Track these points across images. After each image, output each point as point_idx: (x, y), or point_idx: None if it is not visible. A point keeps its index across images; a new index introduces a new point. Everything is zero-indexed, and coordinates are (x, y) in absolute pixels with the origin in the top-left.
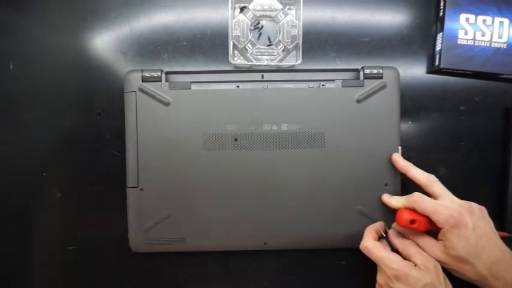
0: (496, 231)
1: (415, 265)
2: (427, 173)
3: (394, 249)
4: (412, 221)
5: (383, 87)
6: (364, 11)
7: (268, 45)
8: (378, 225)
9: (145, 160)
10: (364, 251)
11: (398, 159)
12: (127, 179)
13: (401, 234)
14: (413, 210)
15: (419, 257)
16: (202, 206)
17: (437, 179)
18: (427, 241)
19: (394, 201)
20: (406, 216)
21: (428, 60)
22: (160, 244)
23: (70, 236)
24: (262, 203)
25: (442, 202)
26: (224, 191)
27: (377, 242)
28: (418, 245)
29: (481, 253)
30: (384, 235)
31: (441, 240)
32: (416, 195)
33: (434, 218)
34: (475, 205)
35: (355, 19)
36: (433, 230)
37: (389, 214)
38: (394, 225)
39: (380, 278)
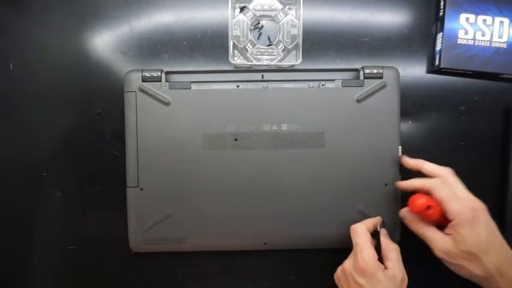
0: None
1: (385, 268)
2: (442, 166)
3: (377, 247)
4: (428, 207)
5: (383, 87)
6: (364, 11)
7: (268, 45)
8: (377, 221)
9: (145, 160)
10: (352, 232)
11: (407, 158)
12: (127, 179)
13: (412, 218)
14: (427, 196)
15: (396, 264)
16: (202, 205)
17: (453, 171)
18: (436, 233)
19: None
20: (423, 201)
21: (428, 60)
22: (160, 244)
23: (70, 236)
24: (262, 203)
25: (467, 194)
26: (224, 191)
27: (368, 232)
28: (425, 238)
29: (491, 250)
30: (378, 230)
31: (450, 234)
32: (436, 180)
33: (448, 207)
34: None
35: (355, 19)
36: (439, 224)
37: (389, 214)
38: (404, 210)
39: (347, 264)
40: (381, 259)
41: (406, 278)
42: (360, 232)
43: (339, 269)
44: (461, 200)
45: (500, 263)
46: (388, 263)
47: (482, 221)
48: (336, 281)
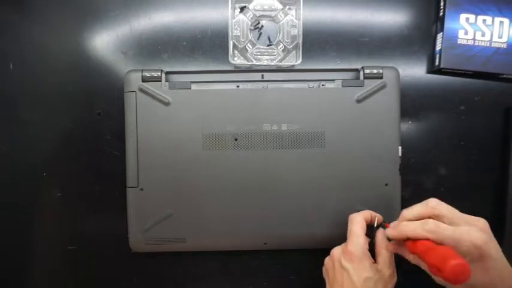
0: None
1: (375, 263)
2: (420, 206)
3: (370, 243)
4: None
5: (383, 87)
6: (364, 11)
7: (268, 45)
8: (375, 216)
9: (145, 160)
10: (349, 220)
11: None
12: (127, 179)
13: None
14: (425, 240)
15: (386, 261)
16: (203, 205)
17: (434, 201)
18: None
19: (404, 228)
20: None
21: (428, 60)
22: (160, 244)
23: (70, 236)
24: (262, 203)
25: (460, 228)
26: (224, 191)
27: (364, 222)
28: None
29: (498, 285)
30: (375, 227)
31: None
32: (432, 223)
33: (458, 248)
34: (482, 220)
35: (355, 19)
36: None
37: (389, 214)
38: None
39: (337, 250)
40: (373, 256)
41: (395, 278)
42: (356, 220)
43: (327, 257)
44: (467, 235)
45: None
46: (379, 259)
47: (492, 252)
48: (324, 272)
